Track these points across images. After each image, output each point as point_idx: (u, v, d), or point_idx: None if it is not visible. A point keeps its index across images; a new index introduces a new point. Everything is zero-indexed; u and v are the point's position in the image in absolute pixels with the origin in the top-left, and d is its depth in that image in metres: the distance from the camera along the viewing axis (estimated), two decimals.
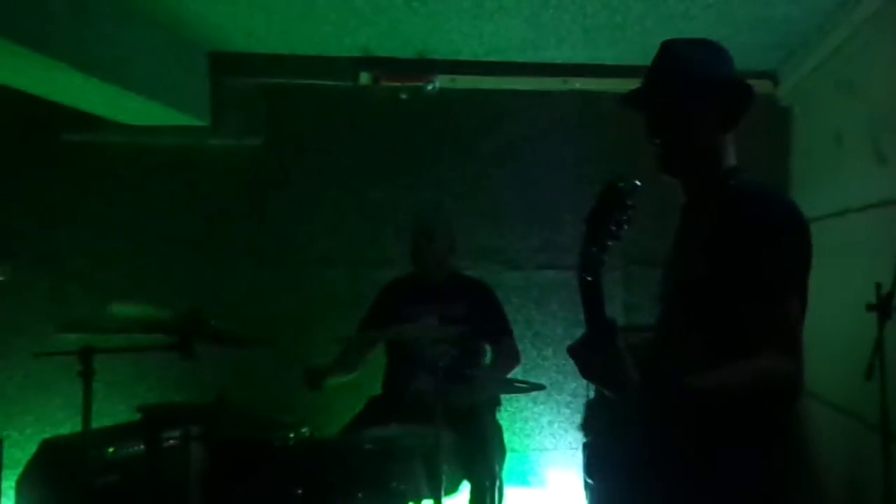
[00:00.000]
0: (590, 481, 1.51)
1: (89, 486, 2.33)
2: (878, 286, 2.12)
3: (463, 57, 3.44)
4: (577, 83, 3.48)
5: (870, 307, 2.13)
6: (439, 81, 3.47)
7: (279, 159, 3.57)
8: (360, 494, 2.21)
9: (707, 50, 1.48)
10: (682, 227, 1.53)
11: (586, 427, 1.58)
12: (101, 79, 2.62)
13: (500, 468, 2.70)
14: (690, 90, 1.43)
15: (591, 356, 1.30)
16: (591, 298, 1.28)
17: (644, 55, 3.81)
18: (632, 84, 3.97)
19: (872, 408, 2.18)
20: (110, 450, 2.52)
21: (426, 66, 3.46)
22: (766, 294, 1.29)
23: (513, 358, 3.01)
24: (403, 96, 3.51)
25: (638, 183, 1.28)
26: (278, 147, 3.57)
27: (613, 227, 1.26)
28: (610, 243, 1.27)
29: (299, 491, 2.21)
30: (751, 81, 4.04)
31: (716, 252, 1.35)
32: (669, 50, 1.48)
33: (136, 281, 3.48)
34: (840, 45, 2.90)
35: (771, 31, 3.05)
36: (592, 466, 1.51)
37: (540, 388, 2.50)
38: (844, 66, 2.94)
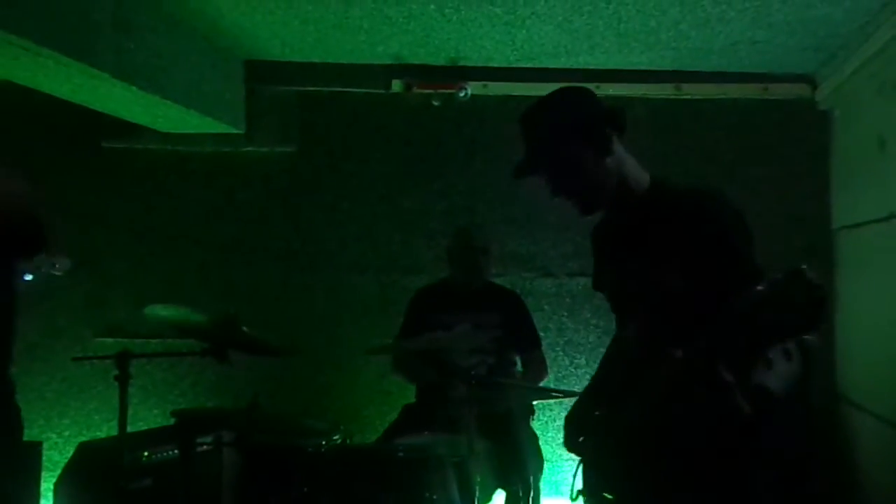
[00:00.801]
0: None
1: (124, 490, 2.37)
2: None
3: (495, 64, 3.44)
4: (611, 89, 3.44)
5: None
6: (471, 88, 3.46)
7: (312, 166, 3.60)
8: (391, 502, 2.20)
9: (554, 102, 1.60)
10: (624, 246, 1.59)
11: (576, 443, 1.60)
12: (141, 88, 2.67)
13: (537, 477, 2.67)
14: (552, 144, 1.55)
15: None
16: None
17: (679, 59, 3.75)
18: (666, 89, 3.90)
19: None
20: (145, 454, 2.56)
21: (458, 73, 3.45)
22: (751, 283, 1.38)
23: (541, 369, 3.01)
24: (436, 103, 3.52)
25: None
26: (312, 154, 3.60)
27: None
28: None
29: (331, 498, 2.21)
30: (787, 86, 3.93)
31: (688, 258, 1.42)
32: (525, 120, 1.61)
33: (173, 285, 3.53)
34: (884, 46, 2.82)
35: (810, 34, 2.98)
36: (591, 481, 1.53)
37: (574, 395, 2.47)
38: (888, 67, 2.86)
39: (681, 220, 1.47)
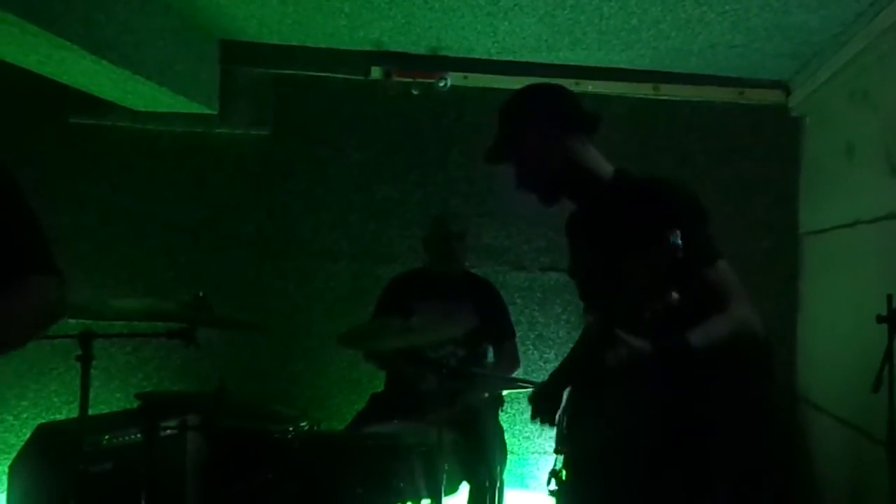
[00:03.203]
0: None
1: (84, 473, 2.30)
2: (890, 298, 2.10)
3: (476, 55, 3.42)
4: (590, 86, 3.45)
5: (880, 319, 2.10)
6: (451, 79, 3.44)
7: (287, 151, 3.54)
8: (358, 490, 2.19)
9: (523, 94, 1.70)
10: (590, 234, 1.69)
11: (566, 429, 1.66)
12: (111, 62, 2.59)
13: (501, 469, 2.68)
14: (518, 133, 1.67)
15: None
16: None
17: (658, 59, 3.80)
18: (644, 89, 3.94)
19: (879, 422, 2.16)
20: (106, 437, 2.49)
21: (439, 63, 3.43)
22: (713, 261, 1.51)
23: (514, 362, 3.01)
24: (415, 92, 3.49)
25: None
26: (286, 138, 3.54)
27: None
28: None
29: (297, 484, 2.19)
30: (762, 91, 4.02)
31: (642, 241, 1.46)
32: (500, 110, 1.72)
33: (138, 267, 3.45)
34: (856, 55, 2.88)
35: (786, 40, 3.03)
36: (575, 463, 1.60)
37: None
38: (859, 76, 2.92)
39: (635, 205, 1.55)
